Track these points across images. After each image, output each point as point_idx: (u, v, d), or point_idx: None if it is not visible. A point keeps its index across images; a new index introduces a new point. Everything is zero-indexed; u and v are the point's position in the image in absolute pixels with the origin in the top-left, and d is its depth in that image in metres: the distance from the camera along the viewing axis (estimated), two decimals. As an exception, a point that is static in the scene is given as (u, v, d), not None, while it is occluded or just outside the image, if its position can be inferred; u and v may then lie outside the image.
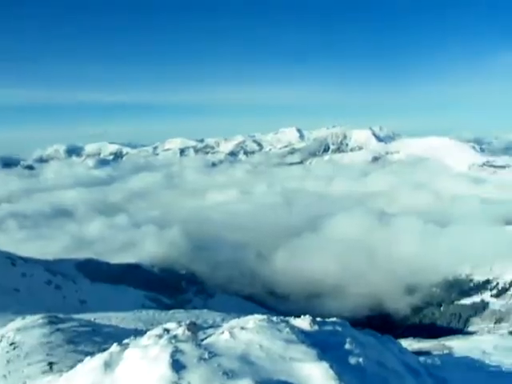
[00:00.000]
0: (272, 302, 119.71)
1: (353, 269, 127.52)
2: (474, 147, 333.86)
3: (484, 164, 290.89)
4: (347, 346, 7.22)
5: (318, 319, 8.39)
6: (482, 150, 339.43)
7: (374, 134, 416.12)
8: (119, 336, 13.88)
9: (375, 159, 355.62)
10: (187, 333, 8.39)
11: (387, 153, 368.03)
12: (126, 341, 8.94)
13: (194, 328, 8.83)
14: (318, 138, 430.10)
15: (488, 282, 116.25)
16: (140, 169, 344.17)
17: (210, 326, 11.05)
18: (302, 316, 8.38)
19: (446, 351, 23.50)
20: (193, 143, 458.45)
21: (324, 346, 7.07)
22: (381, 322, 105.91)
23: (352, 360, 6.83)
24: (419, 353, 21.44)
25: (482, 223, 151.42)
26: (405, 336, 48.49)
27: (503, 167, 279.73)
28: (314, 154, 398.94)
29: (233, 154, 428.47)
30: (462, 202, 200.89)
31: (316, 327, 7.91)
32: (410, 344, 35.05)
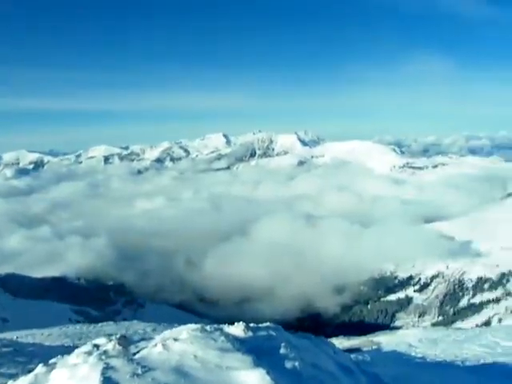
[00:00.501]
0: (203, 308, 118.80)
1: (282, 272, 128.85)
2: (394, 150, 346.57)
3: (404, 166, 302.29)
4: (282, 351, 7.20)
5: (252, 325, 8.31)
6: (402, 153, 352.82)
7: (300, 139, 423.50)
8: (45, 355, 13.17)
9: (301, 163, 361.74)
10: (118, 347, 8.04)
11: (312, 156, 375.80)
12: (52, 360, 8.44)
13: (124, 342, 8.49)
14: (244, 144, 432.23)
15: (411, 278, 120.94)
16: (62, 178, 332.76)
17: (142, 339, 10.66)
18: (236, 322, 8.30)
19: (374, 347, 24.12)
20: (117, 150, 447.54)
21: (259, 352, 7.02)
22: (312, 323, 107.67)
23: (288, 364, 6.84)
24: (350, 350, 21.90)
25: (404, 222, 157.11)
26: (335, 334, 49.42)
27: (421, 168, 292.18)
28: (240, 160, 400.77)
29: (159, 160, 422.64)
30: (384, 202, 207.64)
31: (250, 333, 7.83)
32: (340, 342, 35.76)
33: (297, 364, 6.84)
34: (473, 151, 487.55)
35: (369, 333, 46.22)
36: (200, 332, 7.60)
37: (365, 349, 23.08)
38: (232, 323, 8.40)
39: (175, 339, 7.69)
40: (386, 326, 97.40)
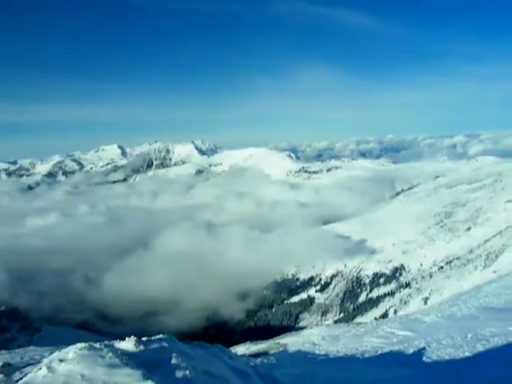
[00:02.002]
0: (106, 326, 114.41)
1: (186, 282, 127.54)
2: (290, 156, 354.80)
3: (300, 170, 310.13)
4: (174, 361, 6.94)
5: (145, 339, 7.88)
6: (298, 158, 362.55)
7: (197, 148, 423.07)
8: None
9: (199, 172, 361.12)
10: (0, 376, 7.43)
11: (210, 165, 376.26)
12: None
13: (7, 370, 7.85)
14: (140, 154, 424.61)
15: (312, 278, 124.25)
16: None
17: (28, 364, 9.88)
18: (134, 337, 7.86)
19: (281, 349, 24.28)
20: (4, 166, 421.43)
21: (150, 364, 6.69)
22: (218, 331, 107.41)
23: (179, 374, 6.62)
24: (257, 354, 21.83)
25: (302, 225, 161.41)
26: (242, 340, 49.42)
27: (316, 172, 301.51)
28: (137, 171, 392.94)
29: (51, 174, 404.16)
30: (282, 207, 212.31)
31: (142, 347, 7.40)
32: (247, 348, 35.76)
33: (187, 372, 6.61)
34: (363, 154, 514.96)
35: (275, 336, 46.74)
36: (87, 350, 7.05)
37: (271, 352, 23.14)
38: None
39: (61, 360, 7.11)
40: (291, 328, 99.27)
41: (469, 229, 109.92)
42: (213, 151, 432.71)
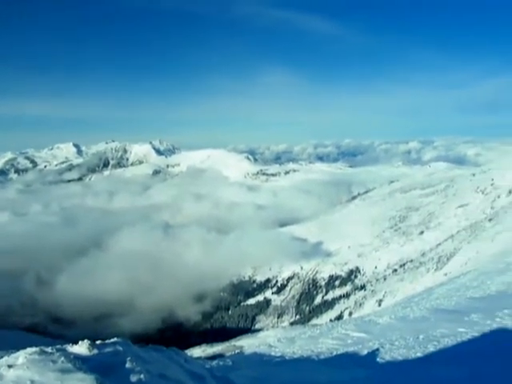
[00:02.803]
0: (58, 329, 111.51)
1: (142, 283, 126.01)
2: (248, 158, 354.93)
3: (258, 173, 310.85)
4: (128, 365, 6.81)
5: (98, 342, 7.70)
6: (256, 160, 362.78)
7: (154, 148, 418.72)
8: None
9: (156, 172, 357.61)
10: None
11: (168, 166, 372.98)
12: None
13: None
14: (96, 154, 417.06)
15: (268, 280, 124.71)
16: None
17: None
18: (86, 340, 7.68)
19: (237, 351, 24.27)
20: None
21: (104, 369, 6.55)
22: (174, 333, 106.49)
23: (133, 378, 6.51)
24: (213, 357, 21.76)
25: (259, 227, 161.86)
26: (198, 343, 49.32)
27: (274, 175, 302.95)
28: (93, 170, 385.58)
29: (2, 172, 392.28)
30: (240, 209, 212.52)
31: (95, 351, 7.23)
32: (203, 350, 35.64)
33: (142, 376, 6.51)
34: (321, 158, 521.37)
35: (231, 338, 46.73)
36: (38, 355, 6.82)
37: (227, 354, 23.12)
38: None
39: (10, 366, 6.82)
40: (248, 330, 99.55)
41: (422, 233, 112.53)
42: (171, 152, 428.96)
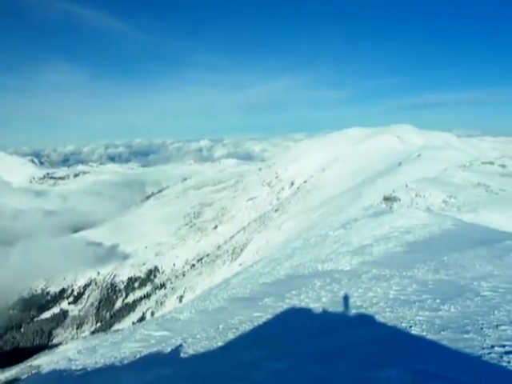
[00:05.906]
0: None
1: None
2: (32, 161, 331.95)
3: (44, 177, 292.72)
4: None
5: None
6: (42, 163, 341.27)
7: None
8: None
9: None
10: None
11: None
12: None
13: None
14: None
15: (64, 290, 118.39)
16: None
17: None
18: None
19: (34, 371, 22.56)
20: None
21: None
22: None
23: None
24: (7, 383, 19.87)
25: (50, 235, 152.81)
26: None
27: (63, 178, 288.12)
28: None
29: None
30: (26, 216, 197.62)
31: None
32: (-7, 377, 32.24)
33: None
34: (112, 158, 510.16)
35: (27, 358, 43.03)
36: None
37: (23, 377, 21.34)
38: None
39: None
40: (45, 347, 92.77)
41: (216, 227, 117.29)
42: None
